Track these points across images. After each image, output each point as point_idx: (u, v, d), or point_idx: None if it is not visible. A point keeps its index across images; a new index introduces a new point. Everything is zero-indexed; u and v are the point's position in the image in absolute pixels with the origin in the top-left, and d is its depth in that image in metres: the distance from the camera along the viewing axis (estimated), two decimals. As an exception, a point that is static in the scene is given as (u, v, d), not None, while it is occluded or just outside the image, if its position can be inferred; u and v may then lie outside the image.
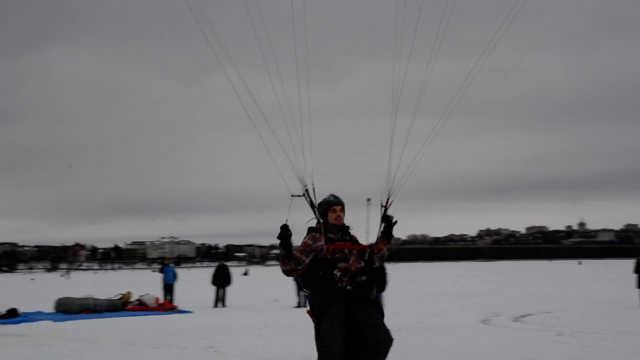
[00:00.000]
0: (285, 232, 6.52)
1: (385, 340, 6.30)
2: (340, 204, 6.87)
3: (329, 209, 6.81)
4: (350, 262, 6.66)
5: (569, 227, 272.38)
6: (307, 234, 6.75)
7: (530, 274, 59.58)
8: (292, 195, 6.67)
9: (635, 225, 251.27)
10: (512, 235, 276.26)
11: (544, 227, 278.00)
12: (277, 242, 6.56)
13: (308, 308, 6.73)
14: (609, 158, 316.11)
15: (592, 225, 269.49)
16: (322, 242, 6.64)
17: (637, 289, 21.14)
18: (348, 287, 6.56)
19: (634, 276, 21.35)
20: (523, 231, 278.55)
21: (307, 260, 6.57)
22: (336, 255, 6.63)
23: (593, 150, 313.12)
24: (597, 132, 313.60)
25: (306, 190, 6.77)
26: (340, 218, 6.82)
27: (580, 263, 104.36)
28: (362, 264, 6.70)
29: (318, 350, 6.33)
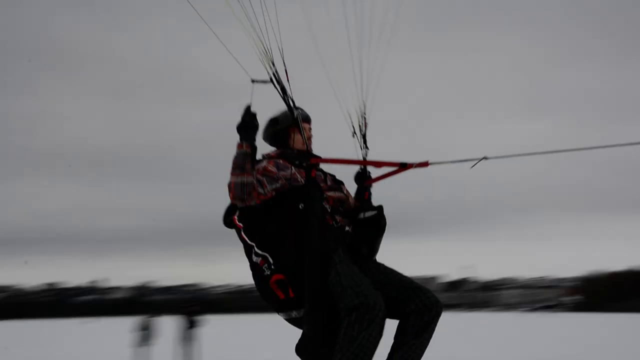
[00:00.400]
0: (252, 119, 4.25)
1: (434, 302, 4.16)
2: (309, 120, 4.67)
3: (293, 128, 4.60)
4: (345, 191, 4.61)
5: (92, 282, 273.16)
6: (261, 161, 4.39)
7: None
8: (253, 81, 4.31)
9: (152, 281, 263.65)
10: (21, 292, 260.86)
11: (61, 282, 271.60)
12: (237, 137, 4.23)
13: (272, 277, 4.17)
14: (130, 214, 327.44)
15: (111, 281, 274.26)
16: (293, 170, 4.37)
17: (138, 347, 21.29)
18: (347, 228, 4.41)
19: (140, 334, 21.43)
20: (40, 287, 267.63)
21: (270, 189, 4.21)
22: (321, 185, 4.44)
23: (117, 206, 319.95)
24: (120, 189, 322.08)
25: (274, 74, 4.31)
26: (310, 141, 4.67)
27: (92, 321, 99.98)
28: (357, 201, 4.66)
29: (343, 310, 3.92)
